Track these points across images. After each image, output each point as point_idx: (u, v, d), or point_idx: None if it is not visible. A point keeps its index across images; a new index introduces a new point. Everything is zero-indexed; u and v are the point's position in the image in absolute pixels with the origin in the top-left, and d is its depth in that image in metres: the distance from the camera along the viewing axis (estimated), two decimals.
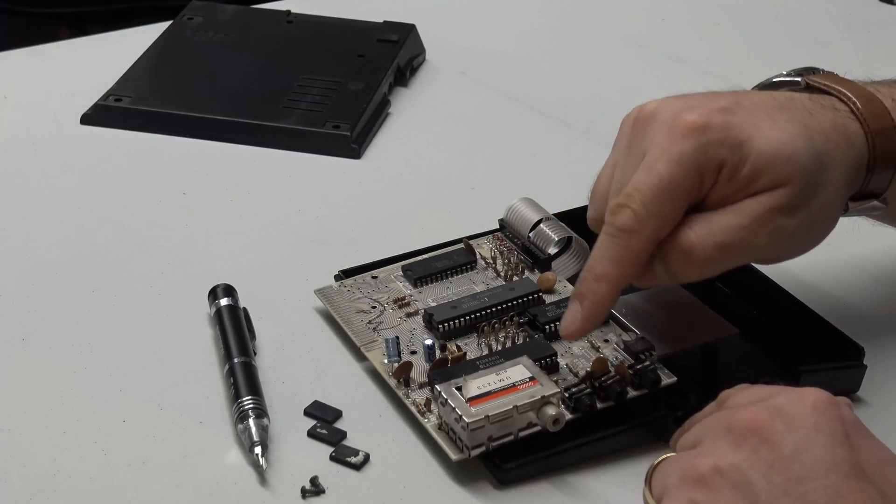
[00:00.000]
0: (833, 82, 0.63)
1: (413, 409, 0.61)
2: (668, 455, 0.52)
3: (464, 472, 0.59)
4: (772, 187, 0.58)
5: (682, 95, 0.61)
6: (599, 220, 0.62)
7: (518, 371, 0.59)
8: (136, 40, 0.98)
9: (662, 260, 0.59)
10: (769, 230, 0.58)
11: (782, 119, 0.59)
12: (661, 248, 0.59)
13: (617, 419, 0.60)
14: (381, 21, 0.99)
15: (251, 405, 0.61)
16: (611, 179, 0.61)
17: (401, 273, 0.70)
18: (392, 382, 0.63)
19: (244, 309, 0.69)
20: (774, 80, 0.66)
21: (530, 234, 0.70)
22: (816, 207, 0.59)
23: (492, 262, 0.71)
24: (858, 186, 0.61)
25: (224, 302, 0.68)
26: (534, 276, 0.69)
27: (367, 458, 0.60)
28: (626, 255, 0.58)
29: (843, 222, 0.62)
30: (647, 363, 0.61)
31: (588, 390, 0.60)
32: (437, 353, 0.64)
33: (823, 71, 0.65)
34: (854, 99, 0.61)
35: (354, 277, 0.71)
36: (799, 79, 0.64)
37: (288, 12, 1.01)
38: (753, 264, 0.65)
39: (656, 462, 0.52)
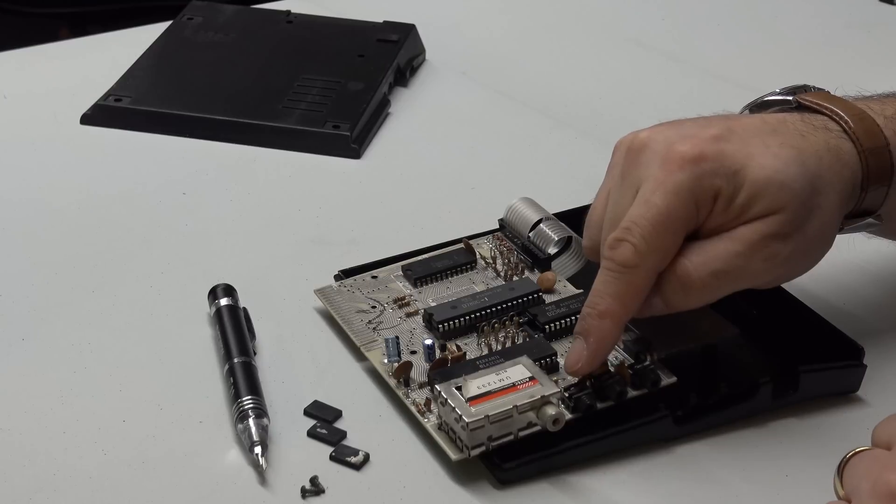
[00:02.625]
0: (824, 101, 0.62)
1: (413, 408, 0.61)
2: (865, 449, 0.51)
3: (464, 472, 0.59)
4: (765, 214, 0.58)
5: (674, 122, 0.61)
6: (594, 249, 0.62)
7: (518, 371, 0.59)
8: (136, 40, 0.98)
9: (659, 290, 0.59)
10: (764, 256, 0.58)
11: (775, 144, 0.59)
12: (657, 279, 0.59)
13: (617, 419, 0.60)
14: (381, 21, 0.99)
15: (251, 405, 0.61)
16: (605, 208, 0.61)
17: (401, 273, 0.70)
18: (392, 382, 0.63)
19: (244, 309, 0.69)
20: (766, 98, 0.65)
21: (530, 234, 0.70)
22: (811, 231, 0.59)
23: (492, 262, 0.71)
24: (853, 205, 0.61)
25: (224, 302, 0.68)
26: (534, 276, 0.69)
27: (367, 457, 0.60)
28: (628, 291, 0.58)
29: None
30: (647, 363, 0.61)
31: (588, 390, 0.60)
32: (437, 353, 0.64)
33: (815, 88, 0.65)
34: (846, 118, 0.61)
35: (354, 277, 0.71)
36: (790, 97, 0.64)
37: (288, 12, 1.01)
38: None
39: (851, 453, 0.51)
